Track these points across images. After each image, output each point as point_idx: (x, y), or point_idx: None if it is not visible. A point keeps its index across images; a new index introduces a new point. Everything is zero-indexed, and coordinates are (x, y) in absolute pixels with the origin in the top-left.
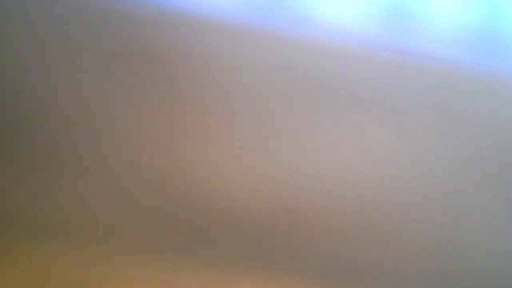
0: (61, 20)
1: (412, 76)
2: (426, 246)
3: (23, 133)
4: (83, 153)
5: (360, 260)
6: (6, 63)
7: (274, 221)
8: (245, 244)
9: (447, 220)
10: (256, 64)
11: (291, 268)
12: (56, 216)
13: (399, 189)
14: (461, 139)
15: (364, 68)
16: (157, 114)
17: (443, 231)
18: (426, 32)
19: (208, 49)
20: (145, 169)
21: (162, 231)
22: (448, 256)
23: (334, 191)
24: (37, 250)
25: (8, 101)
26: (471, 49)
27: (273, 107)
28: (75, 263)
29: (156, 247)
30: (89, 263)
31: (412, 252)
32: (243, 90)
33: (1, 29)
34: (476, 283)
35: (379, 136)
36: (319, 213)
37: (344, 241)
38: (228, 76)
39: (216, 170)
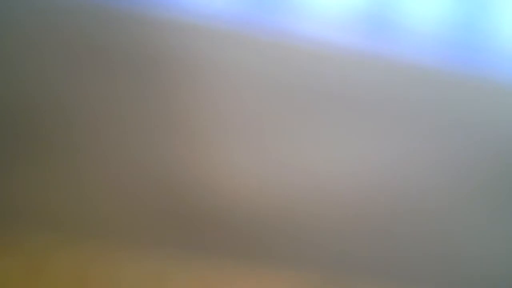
0: (57, 20)
1: (406, 81)
2: (422, 247)
3: (22, 128)
4: (81, 148)
5: (356, 259)
6: (5, 65)
7: (272, 220)
8: (242, 241)
9: (444, 222)
10: (252, 68)
11: (288, 265)
12: (54, 210)
13: (395, 190)
14: (456, 142)
15: (358, 73)
16: (155, 114)
17: (440, 232)
18: (414, 36)
19: (204, 51)
20: (143, 166)
21: (159, 227)
22: (444, 257)
23: (330, 191)
24: (34, 244)
25: (7, 99)
26: (463, 53)
27: (270, 110)
28: (72, 257)
29: (153, 242)
30: (86, 257)
31: (409, 253)
32: (240, 93)
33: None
34: (474, 283)
35: (374, 140)
36: (316, 213)
37: (341, 241)
38: (224, 79)
39: (214, 169)
